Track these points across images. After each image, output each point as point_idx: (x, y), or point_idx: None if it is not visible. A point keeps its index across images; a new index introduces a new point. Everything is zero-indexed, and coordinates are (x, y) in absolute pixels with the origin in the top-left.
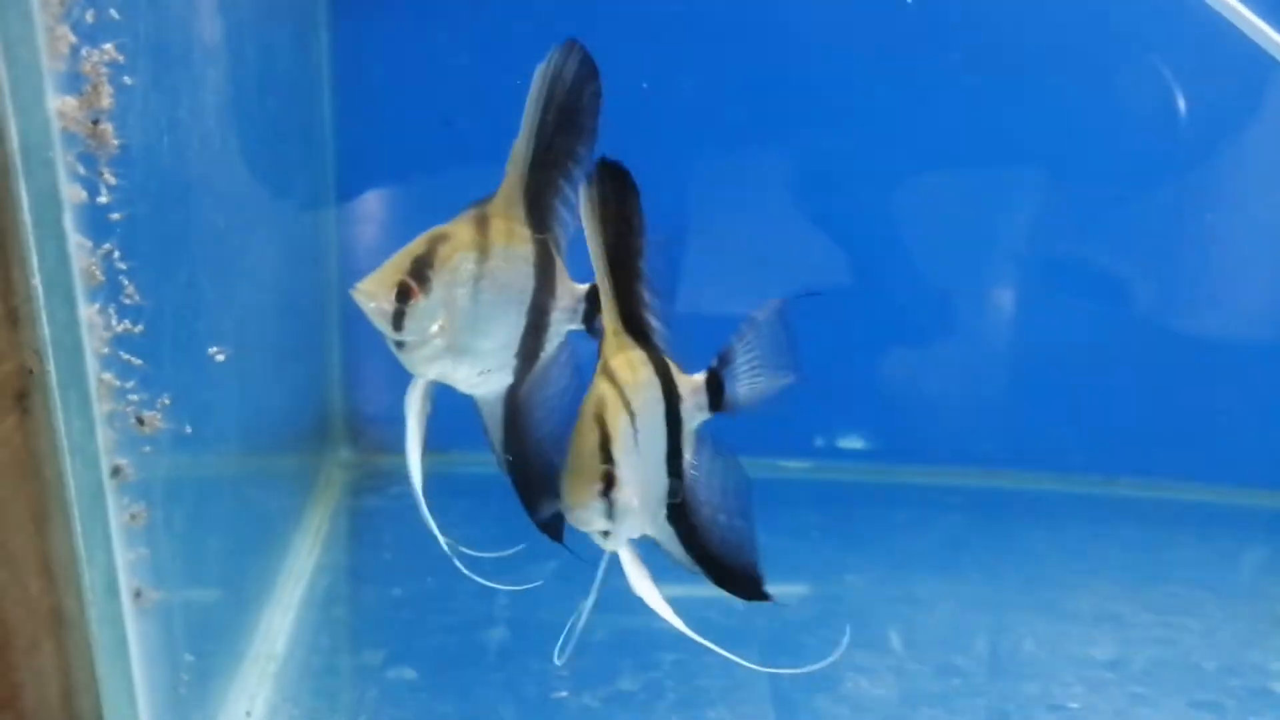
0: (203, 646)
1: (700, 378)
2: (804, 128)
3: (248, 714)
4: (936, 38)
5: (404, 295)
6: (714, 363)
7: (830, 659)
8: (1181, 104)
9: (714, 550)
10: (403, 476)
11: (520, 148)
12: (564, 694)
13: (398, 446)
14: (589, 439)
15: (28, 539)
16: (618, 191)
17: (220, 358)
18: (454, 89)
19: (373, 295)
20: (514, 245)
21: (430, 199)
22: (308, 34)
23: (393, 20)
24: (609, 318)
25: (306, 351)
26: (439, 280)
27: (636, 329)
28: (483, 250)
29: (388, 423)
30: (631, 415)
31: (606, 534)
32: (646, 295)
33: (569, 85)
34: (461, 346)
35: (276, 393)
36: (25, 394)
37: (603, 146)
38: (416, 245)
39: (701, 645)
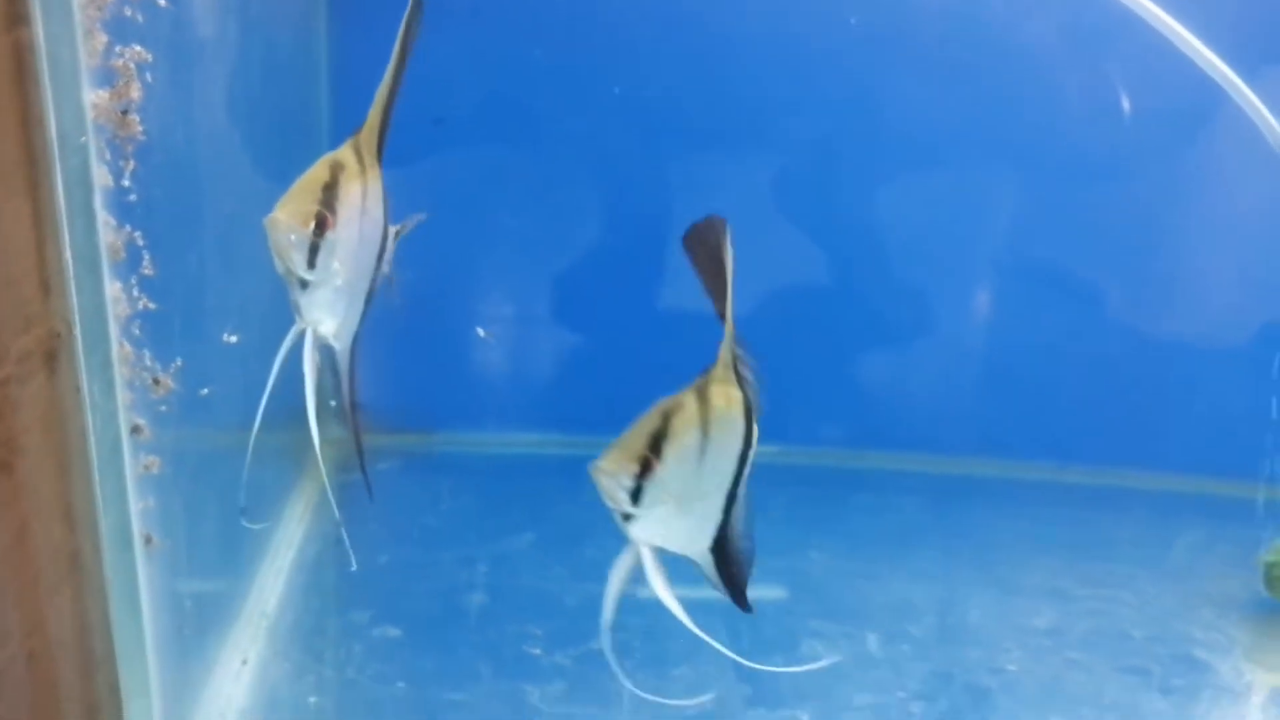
0: (203, 597)
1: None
2: (782, 130)
3: (244, 662)
4: (914, 41)
5: (320, 228)
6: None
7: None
8: (1130, 107)
9: (735, 569)
10: (388, 454)
11: (382, 91)
12: (538, 652)
13: (382, 427)
14: (648, 425)
15: (53, 488)
16: (716, 248)
17: (233, 339)
18: (444, 90)
19: (290, 227)
20: (377, 182)
21: (419, 193)
22: (307, 35)
23: (387, 24)
24: (725, 351)
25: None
26: (343, 214)
27: (737, 371)
28: (364, 183)
29: (373, 406)
30: (705, 438)
31: (628, 519)
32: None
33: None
34: (348, 287)
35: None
36: (54, 356)
37: (584, 150)
38: (320, 172)
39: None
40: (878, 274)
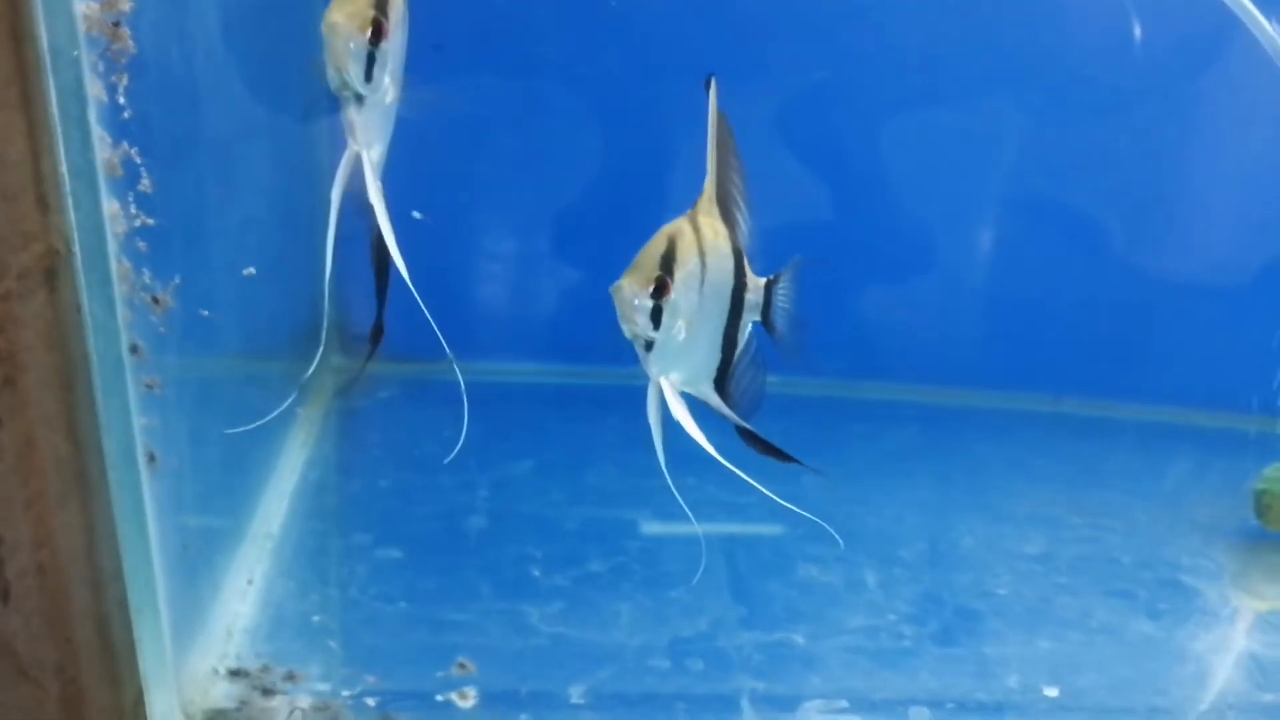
0: (208, 517)
1: (763, 280)
2: (781, 59)
3: (249, 581)
4: None
5: (376, 34)
6: (771, 277)
7: None
8: (1138, 38)
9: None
10: (389, 382)
11: None
12: (537, 573)
13: (384, 355)
14: (656, 248)
15: (57, 404)
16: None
17: (250, 272)
18: (442, 16)
19: (349, 31)
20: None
21: (418, 120)
22: None
23: None
24: (708, 186)
25: (301, 262)
26: (394, 18)
27: (725, 215)
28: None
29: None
30: (703, 265)
31: (649, 348)
32: (739, 197)
33: None
34: (389, 107)
35: (273, 297)
36: (54, 273)
37: (586, 80)
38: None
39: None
40: (874, 207)
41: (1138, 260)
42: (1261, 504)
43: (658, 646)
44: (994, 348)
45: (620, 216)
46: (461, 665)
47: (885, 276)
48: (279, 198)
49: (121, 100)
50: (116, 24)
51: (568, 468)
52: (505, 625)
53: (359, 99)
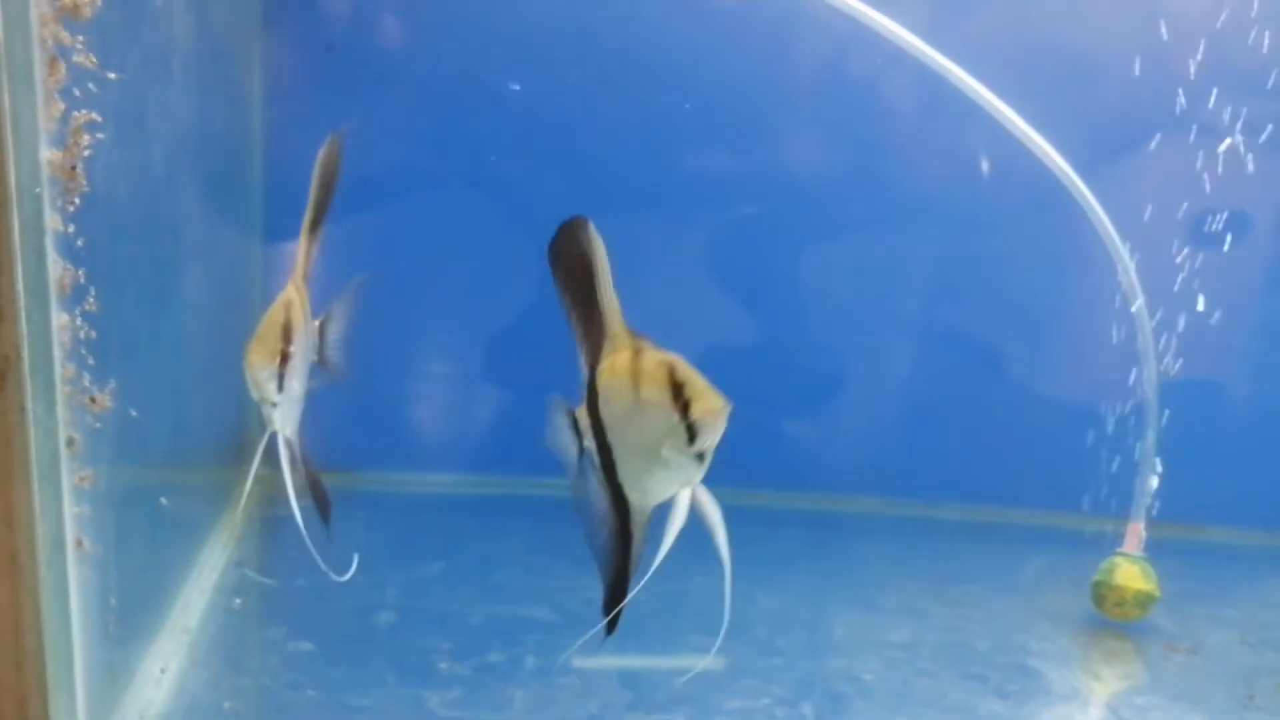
0: (129, 605)
1: None
2: (712, 202)
3: (162, 670)
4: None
5: (284, 360)
6: None
7: None
8: (988, 175)
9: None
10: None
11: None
12: (441, 664)
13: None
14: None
15: None
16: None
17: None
18: (364, 160)
19: (264, 365)
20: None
21: (345, 250)
22: (244, 104)
23: (318, 98)
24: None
25: (231, 376)
26: (297, 344)
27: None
28: (305, 313)
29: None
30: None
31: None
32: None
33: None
34: (298, 397)
35: (202, 409)
36: (3, 377)
37: (511, 209)
38: (276, 313)
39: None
40: (760, 328)
41: (1004, 381)
42: (1097, 594)
43: None
44: (874, 458)
45: (531, 340)
46: None
47: (775, 393)
48: (211, 317)
49: (73, 230)
50: (74, 168)
51: (477, 569)
52: (408, 710)
53: (274, 404)
